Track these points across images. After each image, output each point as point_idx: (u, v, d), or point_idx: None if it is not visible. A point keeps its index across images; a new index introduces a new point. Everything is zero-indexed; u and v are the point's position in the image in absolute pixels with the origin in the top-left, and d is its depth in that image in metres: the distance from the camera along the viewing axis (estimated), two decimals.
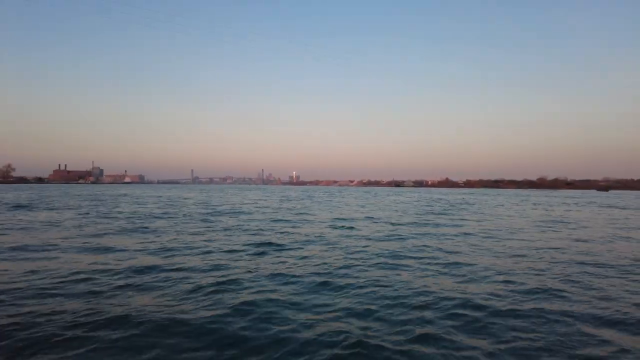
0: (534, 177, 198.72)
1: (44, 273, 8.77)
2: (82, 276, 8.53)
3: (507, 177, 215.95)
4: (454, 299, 7.20)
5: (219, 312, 6.32)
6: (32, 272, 8.87)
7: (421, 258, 11.27)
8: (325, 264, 10.27)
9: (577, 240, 15.36)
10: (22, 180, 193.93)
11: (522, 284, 8.43)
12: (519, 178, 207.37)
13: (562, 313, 6.54)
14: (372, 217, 24.89)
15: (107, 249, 11.98)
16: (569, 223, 22.67)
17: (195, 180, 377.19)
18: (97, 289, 7.60)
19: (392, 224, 20.97)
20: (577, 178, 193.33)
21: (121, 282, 8.09)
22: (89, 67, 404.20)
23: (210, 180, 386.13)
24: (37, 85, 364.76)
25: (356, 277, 8.84)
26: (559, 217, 27.03)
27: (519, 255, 11.84)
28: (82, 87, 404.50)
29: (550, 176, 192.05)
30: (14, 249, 11.88)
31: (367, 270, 9.57)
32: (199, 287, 7.75)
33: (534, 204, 44.79)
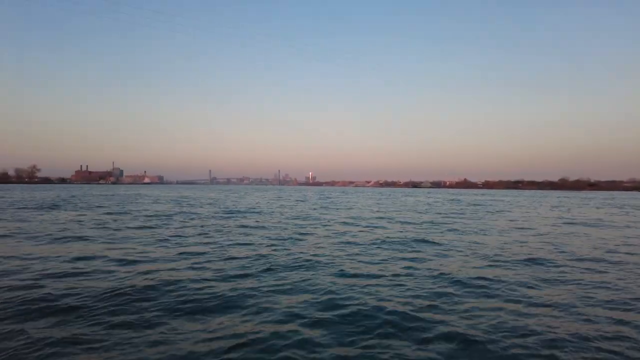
0: (555, 178, 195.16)
1: (82, 260, 9.97)
2: (116, 265, 9.68)
3: (528, 178, 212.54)
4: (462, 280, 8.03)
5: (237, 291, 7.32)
6: (77, 258, 10.08)
7: (428, 252, 12.08)
8: (338, 257, 11.19)
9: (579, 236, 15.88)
10: (46, 180, 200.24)
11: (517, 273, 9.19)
12: (540, 179, 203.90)
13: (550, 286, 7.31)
14: (388, 218, 25.65)
15: (124, 241, 13.17)
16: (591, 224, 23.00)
17: (213, 181, 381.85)
18: (130, 271, 8.71)
19: (405, 222, 21.72)
20: (602, 179, 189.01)
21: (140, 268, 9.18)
22: (109, 69, 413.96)
23: (228, 181, 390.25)
24: (59, 88, 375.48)
25: (370, 269, 9.73)
26: (573, 217, 27.27)
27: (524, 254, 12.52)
28: (102, 89, 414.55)
29: (573, 177, 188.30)
30: (56, 239, 13.22)
31: (382, 264, 10.44)
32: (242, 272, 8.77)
33: (552, 206, 44.66)
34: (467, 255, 11.57)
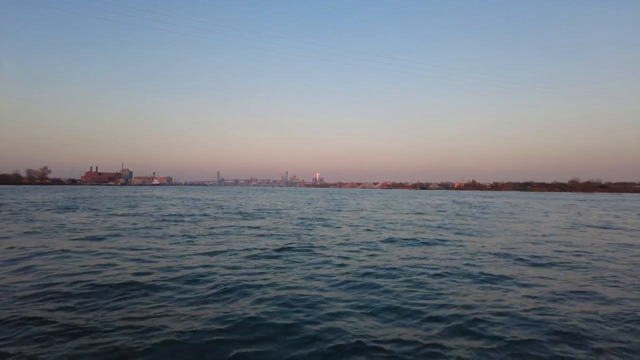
0: (565, 180, 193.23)
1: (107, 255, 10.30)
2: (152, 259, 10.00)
3: (538, 180, 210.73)
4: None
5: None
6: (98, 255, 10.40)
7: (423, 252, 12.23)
8: (348, 258, 11.42)
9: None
10: (57, 181, 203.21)
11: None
12: (550, 180, 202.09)
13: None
14: (395, 220, 25.76)
15: (139, 240, 13.52)
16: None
17: (221, 182, 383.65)
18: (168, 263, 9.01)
19: (411, 224, 21.86)
20: (613, 181, 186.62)
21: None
22: (117, 70, 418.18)
23: (236, 182, 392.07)
24: (68, 90, 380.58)
25: (380, 270, 9.93)
26: (582, 219, 27.15)
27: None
28: (111, 91, 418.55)
29: (583, 179, 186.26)
30: (76, 239, 13.64)
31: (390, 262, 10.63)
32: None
33: (561, 208, 44.38)
34: (472, 254, 11.69)
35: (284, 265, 9.93)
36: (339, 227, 19.22)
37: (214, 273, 8.88)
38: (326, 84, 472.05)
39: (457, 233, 17.46)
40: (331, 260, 10.62)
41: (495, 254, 12.11)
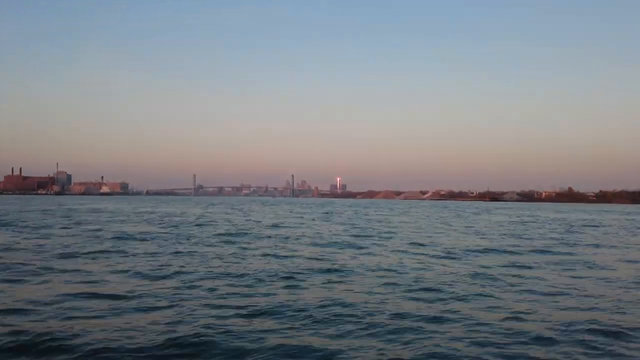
0: None
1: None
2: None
3: None
4: None
5: None
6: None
7: None
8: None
9: None
10: None
11: None
12: None
13: None
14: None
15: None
16: None
17: (199, 191, 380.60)
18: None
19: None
20: None
21: None
22: (47, 38, 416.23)
23: (220, 190, 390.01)
24: None
25: None
26: None
27: None
28: (38, 65, 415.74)
29: None
30: None
31: None
32: None
33: None
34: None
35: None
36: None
37: None
38: (351, 52, 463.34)
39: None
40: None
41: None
